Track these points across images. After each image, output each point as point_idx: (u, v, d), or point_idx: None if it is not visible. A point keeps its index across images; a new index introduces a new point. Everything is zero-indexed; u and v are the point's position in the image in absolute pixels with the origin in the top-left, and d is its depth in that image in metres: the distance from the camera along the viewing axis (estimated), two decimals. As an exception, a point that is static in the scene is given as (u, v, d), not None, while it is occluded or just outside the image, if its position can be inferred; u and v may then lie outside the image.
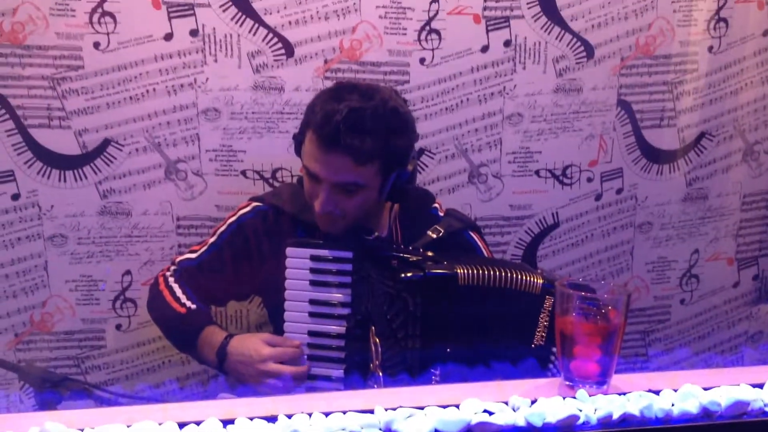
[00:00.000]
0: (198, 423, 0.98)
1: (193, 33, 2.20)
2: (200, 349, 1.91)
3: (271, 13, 2.23)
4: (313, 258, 1.88)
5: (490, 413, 1.03)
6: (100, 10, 2.13)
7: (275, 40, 2.24)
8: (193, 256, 2.06)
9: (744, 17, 2.50)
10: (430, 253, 1.85)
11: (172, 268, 2.06)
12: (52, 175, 2.20)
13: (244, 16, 2.21)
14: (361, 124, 1.78)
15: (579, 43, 2.40)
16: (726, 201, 2.62)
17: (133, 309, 2.32)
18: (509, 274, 1.76)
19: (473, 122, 2.40)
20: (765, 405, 1.09)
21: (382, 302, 1.79)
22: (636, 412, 1.04)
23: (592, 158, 2.50)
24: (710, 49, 2.49)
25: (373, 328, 1.80)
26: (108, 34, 2.15)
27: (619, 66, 2.44)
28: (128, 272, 2.30)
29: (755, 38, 2.52)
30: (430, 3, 2.30)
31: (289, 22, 2.24)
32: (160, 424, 0.96)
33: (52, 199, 2.21)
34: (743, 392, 1.08)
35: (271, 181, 2.31)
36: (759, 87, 2.56)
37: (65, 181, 2.21)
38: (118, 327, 2.32)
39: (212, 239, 2.05)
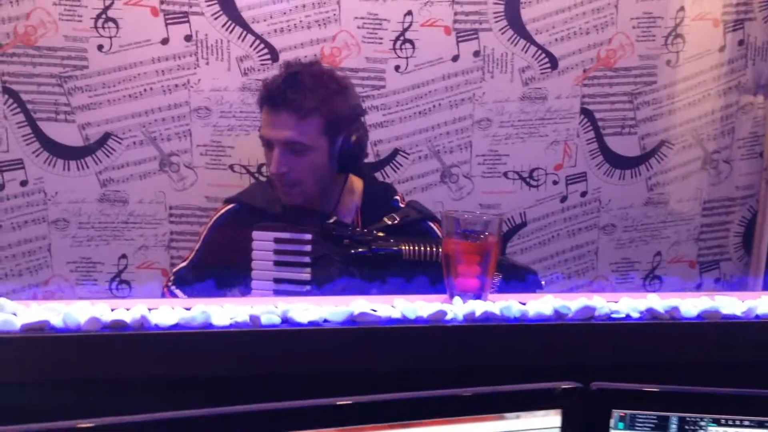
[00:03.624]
0: (127, 309, 1.18)
1: (188, 38, 2.43)
2: None
3: (258, 22, 2.46)
4: (277, 240, 2.05)
5: (375, 311, 1.22)
6: (104, 16, 2.38)
7: (262, 46, 2.47)
8: (185, 264, 2.25)
9: (700, 34, 2.68)
10: (380, 234, 2.04)
11: (171, 278, 2.25)
12: (57, 164, 2.43)
13: (233, 24, 2.44)
14: (300, 81, 2.02)
15: (543, 55, 2.60)
16: (686, 206, 2.78)
17: (128, 290, 2.52)
18: None
19: (445, 126, 2.60)
20: (612, 312, 1.26)
21: (335, 277, 1.97)
22: (497, 311, 1.22)
23: (558, 162, 2.68)
24: (668, 62, 2.68)
25: None
26: (111, 37, 2.40)
27: (582, 77, 2.64)
28: (124, 256, 2.51)
29: (711, 53, 2.70)
30: (405, 15, 2.52)
31: (275, 30, 2.47)
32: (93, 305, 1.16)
33: (56, 186, 2.44)
34: (593, 301, 1.26)
35: (256, 175, 2.52)
36: (716, 99, 2.73)
37: (69, 170, 2.44)
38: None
39: (198, 245, 2.24)
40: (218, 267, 2.17)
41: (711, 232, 2.82)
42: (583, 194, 2.71)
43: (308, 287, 1.99)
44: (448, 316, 1.22)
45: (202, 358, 1.16)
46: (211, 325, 1.16)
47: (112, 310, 1.16)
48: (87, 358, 1.13)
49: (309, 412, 0.96)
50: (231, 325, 1.17)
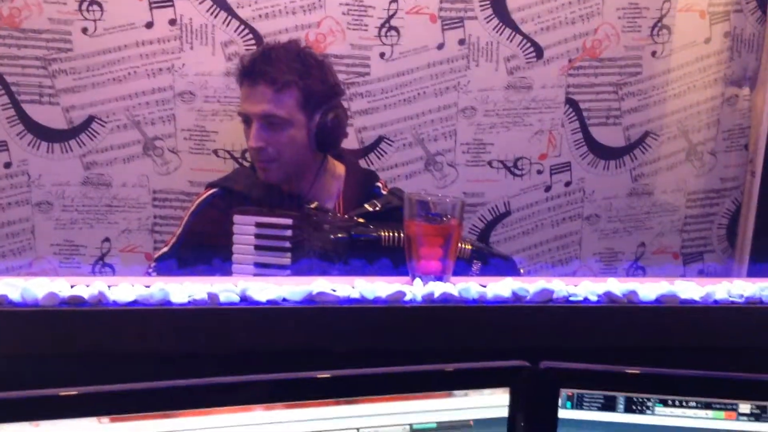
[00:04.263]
0: (87, 285, 1.18)
1: (172, 22, 2.43)
2: None
3: (243, 7, 2.46)
4: (258, 225, 2.05)
5: (335, 291, 1.22)
6: (89, -1, 2.39)
7: (246, 30, 2.47)
8: (167, 249, 2.25)
9: (686, 25, 2.68)
10: (361, 220, 2.05)
11: (153, 264, 2.26)
12: (41, 146, 2.44)
13: (218, 9, 2.44)
14: (275, 55, 2.06)
15: (529, 44, 2.60)
16: (671, 197, 2.78)
17: (111, 273, 2.53)
18: None
19: (429, 114, 2.60)
20: (570, 295, 1.26)
21: (314, 262, 1.98)
22: (455, 293, 1.23)
23: (542, 152, 2.68)
24: (653, 53, 2.68)
25: None
26: (95, 20, 2.40)
27: (567, 67, 2.64)
28: (107, 239, 2.52)
29: (697, 45, 2.70)
30: (390, 2, 2.52)
31: (260, 15, 2.47)
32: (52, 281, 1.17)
33: (40, 168, 2.45)
34: (552, 285, 1.27)
35: (240, 160, 2.53)
36: (702, 90, 2.73)
37: (53, 152, 2.45)
38: (96, 289, 2.53)
39: (179, 230, 2.24)
40: (199, 252, 2.18)
41: (695, 224, 2.83)
42: (568, 184, 2.71)
43: (288, 272, 2.00)
44: (407, 297, 1.23)
45: (159, 335, 1.17)
46: (169, 303, 1.17)
47: (72, 286, 1.17)
48: (44, 333, 1.14)
49: (256, 387, 0.97)
50: (189, 303, 1.18)
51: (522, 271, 2.01)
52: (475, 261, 1.94)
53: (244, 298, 1.20)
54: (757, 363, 1.13)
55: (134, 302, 1.16)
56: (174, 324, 1.17)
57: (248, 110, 2.07)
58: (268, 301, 1.20)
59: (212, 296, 1.18)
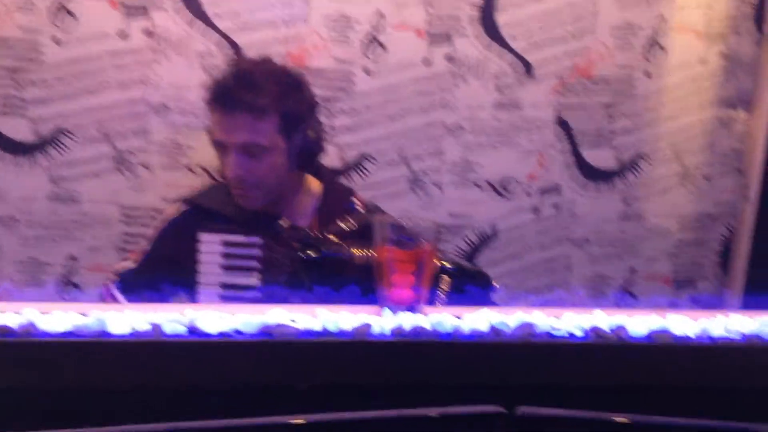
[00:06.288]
0: (17, 312, 1.07)
1: (147, 32, 2.34)
2: None
3: (222, 18, 2.36)
4: (225, 244, 1.96)
5: (294, 322, 1.11)
6: (60, 7, 2.28)
7: (225, 43, 2.37)
8: (132, 264, 2.14)
9: (681, 45, 2.59)
10: (333, 238, 1.94)
11: (115, 279, 2.14)
12: (6, 159, 2.33)
13: (196, 19, 2.35)
14: (251, 78, 1.92)
15: (519, 62, 2.51)
16: (663, 222, 2.68)
17: (77, 292, 2.42)
18: None
19: (415, 132, 2.51)
20: (553, 329, 1.16)
21: (283, 283, 1.88)
22: (428, 326, 1.12)
23: (531, 173, 2.58)
24: (647, 74, 2.59)
25: None
26: (67, 30, 2.30)
27: (558, 85, 2.54)
28: (74, 257, 2.41)
29: (692, 66, 2.61)
30: (375, 16, 2.42)
31: (239, 27, 2.38)
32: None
33: (5, 182, 2.34)
34: (534, 317, 1.16)
35: (216, 177, 2.42)
36: (696, 112, 2.64)
37: (19, 166, 2.34)
38: (62, 309, 2.41)
39: (146, 246, 2.13)
40: (166, 271, 2.07)
41: (688, 249, 2.73)
42: (557, 206, 2.61)
43: (257, 293, 1.90)
44: (374, 330, 1.12)
45: (95, 371, 1.05)
46: (107, 334, 1.06)
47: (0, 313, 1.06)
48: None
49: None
50: (130, 335, 1.06)
51: (497, 285, 1.90)
52: (442, 276, 1.82)
53: (192, 330, 1.09)
54: (759, 408, 1.02)
55: (69, 333, 1.05)
56: (113, 358, 1.05)
57: (225, 139, 1.95)
58: (220, 334, 1.09)
59: (156, 327, 1.07)
